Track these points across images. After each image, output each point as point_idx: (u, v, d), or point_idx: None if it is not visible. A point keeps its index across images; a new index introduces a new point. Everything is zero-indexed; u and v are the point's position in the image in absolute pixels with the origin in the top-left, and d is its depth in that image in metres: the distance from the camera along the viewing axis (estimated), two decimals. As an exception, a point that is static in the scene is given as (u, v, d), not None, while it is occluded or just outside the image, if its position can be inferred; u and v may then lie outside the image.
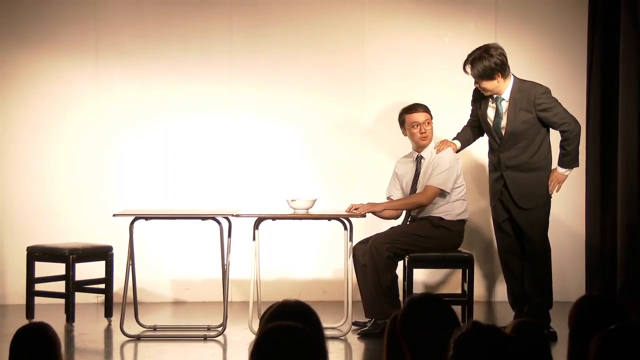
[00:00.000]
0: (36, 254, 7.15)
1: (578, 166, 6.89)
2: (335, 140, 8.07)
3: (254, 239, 6.66)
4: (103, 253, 7.20)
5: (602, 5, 7.89)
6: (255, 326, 6.05)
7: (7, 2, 7.91)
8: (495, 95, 6.69)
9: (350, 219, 6.71)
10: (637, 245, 7.68)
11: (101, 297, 7.54)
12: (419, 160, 6.91)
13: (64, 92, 7.97)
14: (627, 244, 7.71)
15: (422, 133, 6.84)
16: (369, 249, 6.66)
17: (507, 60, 6.62)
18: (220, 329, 6.68)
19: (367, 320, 6.77)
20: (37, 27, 7.93)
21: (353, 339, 6.63)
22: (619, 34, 7.75)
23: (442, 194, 6.79)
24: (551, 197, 6.79)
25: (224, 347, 6.50)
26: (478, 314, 7.07)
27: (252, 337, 6.14)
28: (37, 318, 6.85)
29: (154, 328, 6.86)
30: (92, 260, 7.20)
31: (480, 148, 7.64)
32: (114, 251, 7.22)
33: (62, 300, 7.05)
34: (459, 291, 7.25)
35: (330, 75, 8.04)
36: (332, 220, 6.74)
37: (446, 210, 6.79)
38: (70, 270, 7.01)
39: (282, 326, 2.82)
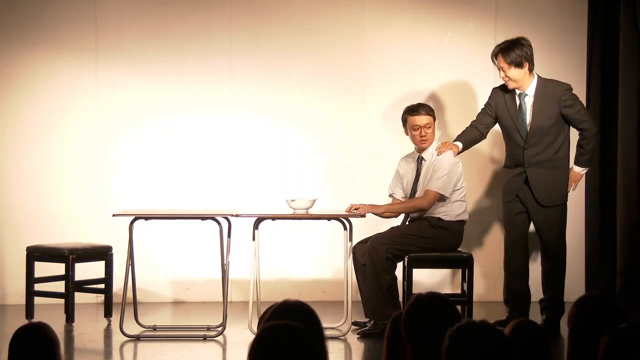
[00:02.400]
0: (36, 254, 7.15)
1: (590, 167, 7.05)
2: (335, 140, 8.06)
3: (253, 239, 6.66)
4: (103, 253, 7.20)
5: (602, 5, 7.88)
6: (255, 326, 6.04)
7: (7, 2, 7.91)
8: (519, 92, 6.78)
9: (350, 219, 6.71)
10: (637, 245, 7.68)
11: (101, 297, 7.54)
12: (419, 161, 6.90)
13: (64, 92, 7.96)
14: (627, 244, 7.71)
15: (422, 136, 6.82)
16: (367, 250, 6.65)
17: (533, 57, 6.78)
18: (220, 329, 6.68)
19: (366, 320, 6.77)
20: (37, 27, 7.93)
21: (353, 339, 6.63)
22: (619, 34, 7.75)
23: (442, 197, 6.78)
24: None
25: (224, 347, 6.49)
26: (478, 314, 7.07)
27: (252, 337, 6.14)
28: (37, 318, 6.84)
29: (154, 328, 6.86)
30: (92, 260, 7.20)
31: (482, 147, 7.66)
32: (113, 251, 7.22)
33: (62, 300, 7.05)
34: (459, 291, 7.25)
35: (330, 75, 8.04)
36: (332, 220, 6.74)
37: (445, 211, 6.79)
38: (70, 270, 7.01)
39: (279, 325, 2.82)
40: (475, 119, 7.07)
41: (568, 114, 6.74)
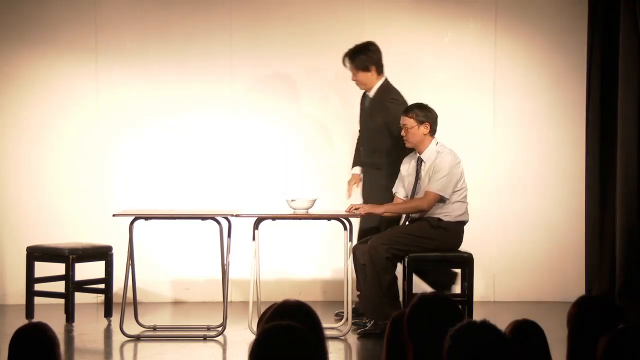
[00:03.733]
0: (36, 254, 7.15)
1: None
2: (335, 140, 8.06)
3: (253, 239, 6.66)
4: (103, 253, 7.20)
5: (602, 5, 7.88)
6: (255, 326, 6.04)
7: (7, 2, 7.91)
8: (367, 93, 7.14)
9: (350, 219, 6.71)
10: (637, 245, 7.68)
11: (101, 297, 7.54)
12: (419, 162, 6.87)
13: (64, 92, 7.96)
14: (627, 244, 7.72)
15: (404, 136, 6.82)
16: (367, 250, 6.64)
17: (382, 60, 7.09)
18: (220, 329, 6.68)
19: (367, 320, 6.77)
20: (37, 27, 7.93)
21: (353, 339, 6.63)
22: (619, 34, 7.75)
23: (442, 198, 6.76)
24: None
25: (224, 347, 6.50)
26: (478, 314, 7.07)
27: (252, 337, 6.14)
28: (37, 318, 6.84)
29: (154, 328, 6.85)
30: (92, 260, 7.20)
31: (484, 146, 7.66)
32: (113, 251, 7.22)
33: (62, 300, 7.05)
34: (459, 291, 7.25)
35: (330, 75, 8.04)
36: (332, 220, 6.74)
37: (445, 211, 6.77)
38: (70, 270, 7.01)
39: (280, 326, 2.82)
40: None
41: (388, 123, 6.99)
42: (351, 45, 8.05)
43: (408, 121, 6.79)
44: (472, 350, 2.79)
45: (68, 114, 7.98)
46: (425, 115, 6.77)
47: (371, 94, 7.14)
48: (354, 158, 7.40)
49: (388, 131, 7.03)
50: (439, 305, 3.21)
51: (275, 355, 2.76)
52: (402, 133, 6.81)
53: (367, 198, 7.12)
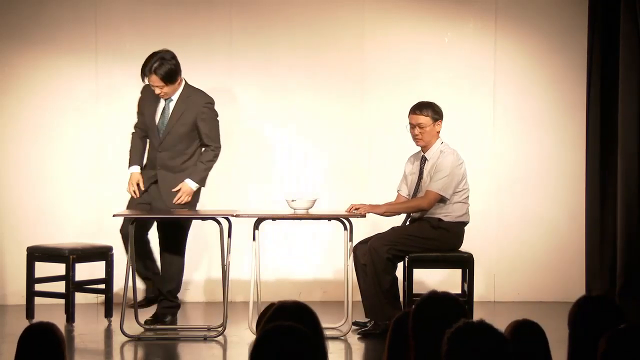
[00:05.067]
0: (36, 254, 7.15)
1: (205, 187, 7.04)
2: (335, 140, 8.07)
3: (254, 239, 6.66)
4: (103, 253, 7.19)
5: (602, 5, 7.89)
6: (255, 326, 6.04)
7: (7, 2, 7.91)
8: (162, 98, 6.95)
9: (350, 219, 6.71)
10: (637, 245, 7.69)
11: (101, 297, 7.53)
12: (423, 161, 6.87)
13: (64, 92, 7.96)
14: (627, 244, 7.72)
15: (414, 135, 6.80)
16: (368, 251, 6.64)
17: (180, 66, 6.92)
18: (220, 329, 6.67)
19: (367, 320, 6.77)
20: (37, 27, 7.93)
21: (353, 339, 6.63)
22: (618, 33, 7.76)
23: (442, 198, 6.75)
24: (197, 203, 7.02)
25: (224, 347, 6.50)
26: (478, 314, 7.06)
27: (252, 337, 6.14)
28: (37, 318, 6.83)
29: (154, 328, 6.85)
30: (92, 261, 7.19)
31: (484, 145, 7.65)
32: (114, 251, 7.22)
33: (62, 301, 7.05)
34: (459, 291, 7.25)
35: (330, 75, 8.04)
36: (332, 221, 6.73)
37: (445, 211, 6.77)
38: (70, 270, 7.01)
39: (282, 327, 2.82)
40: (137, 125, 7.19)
41: (201, 126, 6.92)
42: (350, 45, 8.06)
43: (424, 119, 6.74)
44: (470, 350, 2.79)
45: (68, 114, 7.97)
46: (437, 112, 6.78)
47: (175, 97, 6.94)
48: (132, 157, 7.12)
49: (197, 135, 6.94)
50: (446, 305, 3.21)
51: (276, 356, 2.76)
52: (416, 132, 6.76)
53: (170, 201, 6.95)
